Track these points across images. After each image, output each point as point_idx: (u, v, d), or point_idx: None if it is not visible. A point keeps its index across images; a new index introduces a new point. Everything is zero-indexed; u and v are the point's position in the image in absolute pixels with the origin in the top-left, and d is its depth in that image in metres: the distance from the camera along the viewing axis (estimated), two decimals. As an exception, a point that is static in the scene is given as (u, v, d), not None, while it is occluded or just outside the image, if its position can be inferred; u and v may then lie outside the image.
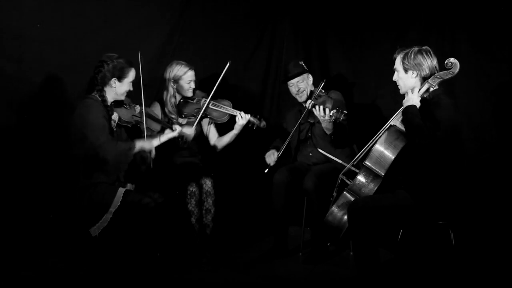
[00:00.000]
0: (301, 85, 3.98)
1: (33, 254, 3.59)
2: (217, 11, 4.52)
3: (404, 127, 3.05)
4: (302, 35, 4.77)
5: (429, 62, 3.08)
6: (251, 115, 3.82)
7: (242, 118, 3.79)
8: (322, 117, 3.65)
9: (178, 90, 3.86)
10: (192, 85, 3.86)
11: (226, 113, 3.83)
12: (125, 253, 3.37)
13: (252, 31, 4.69)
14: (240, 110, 3.82)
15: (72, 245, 3.57)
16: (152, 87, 4.16)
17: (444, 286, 3.36)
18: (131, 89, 3.39)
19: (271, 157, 3.95)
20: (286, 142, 3.84)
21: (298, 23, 4.77)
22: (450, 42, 4.09)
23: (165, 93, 3.88)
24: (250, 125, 3.83)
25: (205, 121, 4.00)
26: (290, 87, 4.03)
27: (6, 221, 3.61)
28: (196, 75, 3.91)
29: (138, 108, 3.48)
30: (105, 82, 3.30)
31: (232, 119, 3.86)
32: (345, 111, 3.55)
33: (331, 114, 3.59)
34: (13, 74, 3.66)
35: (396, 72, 3.18)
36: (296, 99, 4.07)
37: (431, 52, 3.10)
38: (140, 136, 3.47)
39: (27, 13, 3.67)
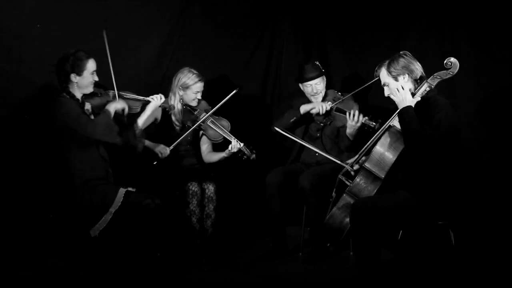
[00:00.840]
0: (319, 87, 3.96)
1: (33, 254, 3.59)
2: (217, 11, 4.52)
3: (402, 132, 3.04)
4: (302, 35, 4.77)
5: (413, 62, 3.07)
6: (244, 145, 3.78)
7: (233, 147, 3.75)
8: (351, 123, 3.65)
9: (184, 97, 3.85)
10: (198, 96, 3.85)
11: (221, 136, 3.82)
12: (125, 253, 3.37)
13: (252, 31, 4.69)
14: (236, 137, 3.78)
15: (72, 245, 3.57)
16: (152, 87, 4.16)
17: (444, 286, 3.36)
18: (96, 79, 3.36)
19: (322, 108, 3.86)
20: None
21: (298, 23, 4.76)
22: (450, 42, 4.09)
23: (172, 97, 3.87)
24: (240, 155, 3.78)
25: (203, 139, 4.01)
26: (305, 88, 4.00)
27: (6, 221, 3.61)
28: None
29: (111, 92, 3.46)
30: (66, 80, 3.30)
31: (226, 140, 3.84)
32: (379, 120, 3.52)
33: (363, 121, 3.58)
34: (13, 74, 3.67)
35: (386, 88, 3.14)
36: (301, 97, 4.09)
37: (411, 54, 3.09)
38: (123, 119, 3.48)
39: (27, 13, 3.67)
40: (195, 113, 3.87)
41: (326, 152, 3.84)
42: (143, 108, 3.58)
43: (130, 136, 3.45)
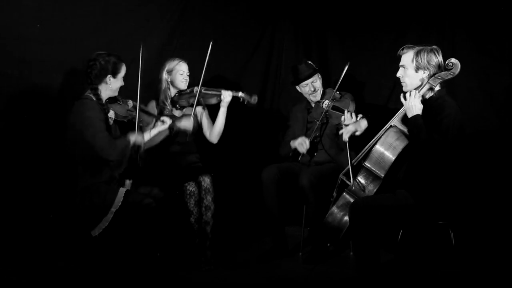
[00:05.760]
0: (316, 85, 3.99)
1: (33, 254, 3.58)
2: (217, 11, 4.52)
3: (410, 141, 3.04)
4: (302, 35, 4.77)
5: (439, 61, 3.05)
6: (241, 92, 3.84)
7: (226, 95, 3.81)
8: (348, 122, 3.63)
9: (172, 82, 3.88)
10: (185, 77, 3.89)
11: (215, 94, 3.85)
12: (125, 253, 3.37)
13: (252, 31, 4.69)
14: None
15: (72, 245, 3.57)
16: (152, 87, 4.16)
17: (444, 286, 3.36)
18: (123, 84, 3.40)
19: (303, 145, 3.90)
20: (313, 134, 3.89)
21: (298, 23, 4.77)
22: (450, 42, 4.10)
23: (159, 85, 3.91)
24: (241, 100, 3.85)
25: (200, 113, 4.00)
26: (303, 88, 4.02)
27: (6, 221, 3.60)
28: (196, 72, 3.92)
29: (130, 102, 3.48)
30: (100, 80, 3.30)
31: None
32: (369, 115, 3.53)
33: (358, 119, 3.59)
34: (13, 74, 3.66)
35: (402, 69, 3.11)
36: (299, 98, 4.09)
37: (440, 51, 3.07)
38: (133, 130, 3.45)
39: (27, 13, 3.67)
40: (188, 90, 3.89)
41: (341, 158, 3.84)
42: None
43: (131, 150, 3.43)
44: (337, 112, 3.77)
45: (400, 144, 3.12)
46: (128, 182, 3.45)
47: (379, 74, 4.40)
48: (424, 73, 3.06)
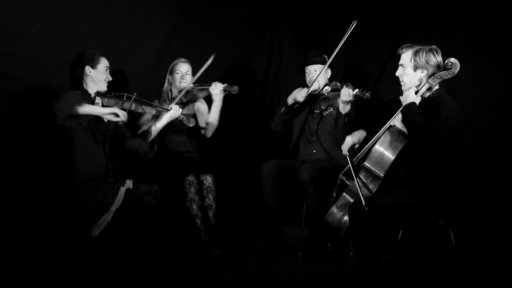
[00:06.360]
0: (313, 75, 4.01)
1: (33, 254, 3.59)
2: (217, 11, 4.53)
3: (406, 129, 3.03)
4: (302, 35, 4.78)
5: (438, 61, 3.05)
6: (223, 84, 3.88)
7: (215, 88, 3.85)
8: (345, 97, 3.65)
9: (174, 82, 3.94)
10: (183, 77, 3.93)
11: (204, 89, 3.89)
12: (125, 253, 3.37)
13: (252, 31, 4.70)
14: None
15: (72, 244, 3.57)
16: (152, 86, 4.17)
17: (444, 286, 3.36)
18: (110, 78, 3.43)
19: (301, 92, 3.95)
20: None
21: (298, 23, 4.77)
22: (450, 42, 4.10)
23: (164, 85, 3.99)
24: (224, 91, 3.89)
25: (197, 107, 4.04)
26: (306, 73, 4.09)
27: (6, 221, 3.61)
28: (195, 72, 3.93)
29: (125, 95, 3.49)
30: (80, 72, 3.37)
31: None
32: (370, 92, 3.57)
33: (354, 93, 3.61)
34: (13, 74, 3.67)
35: (401, 68, 3.12)
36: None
37: (439, 51, 3.07)
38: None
39: (27, 13, 3.68)
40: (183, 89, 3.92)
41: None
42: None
43: (141, 142, 3.48)
44: (334, 93, 3.81)
45: (399, 144, 3.12)
46: (128, 182, 3.46)
47: (379, 74, 4.40)
48: (422, 72, 3.06)
